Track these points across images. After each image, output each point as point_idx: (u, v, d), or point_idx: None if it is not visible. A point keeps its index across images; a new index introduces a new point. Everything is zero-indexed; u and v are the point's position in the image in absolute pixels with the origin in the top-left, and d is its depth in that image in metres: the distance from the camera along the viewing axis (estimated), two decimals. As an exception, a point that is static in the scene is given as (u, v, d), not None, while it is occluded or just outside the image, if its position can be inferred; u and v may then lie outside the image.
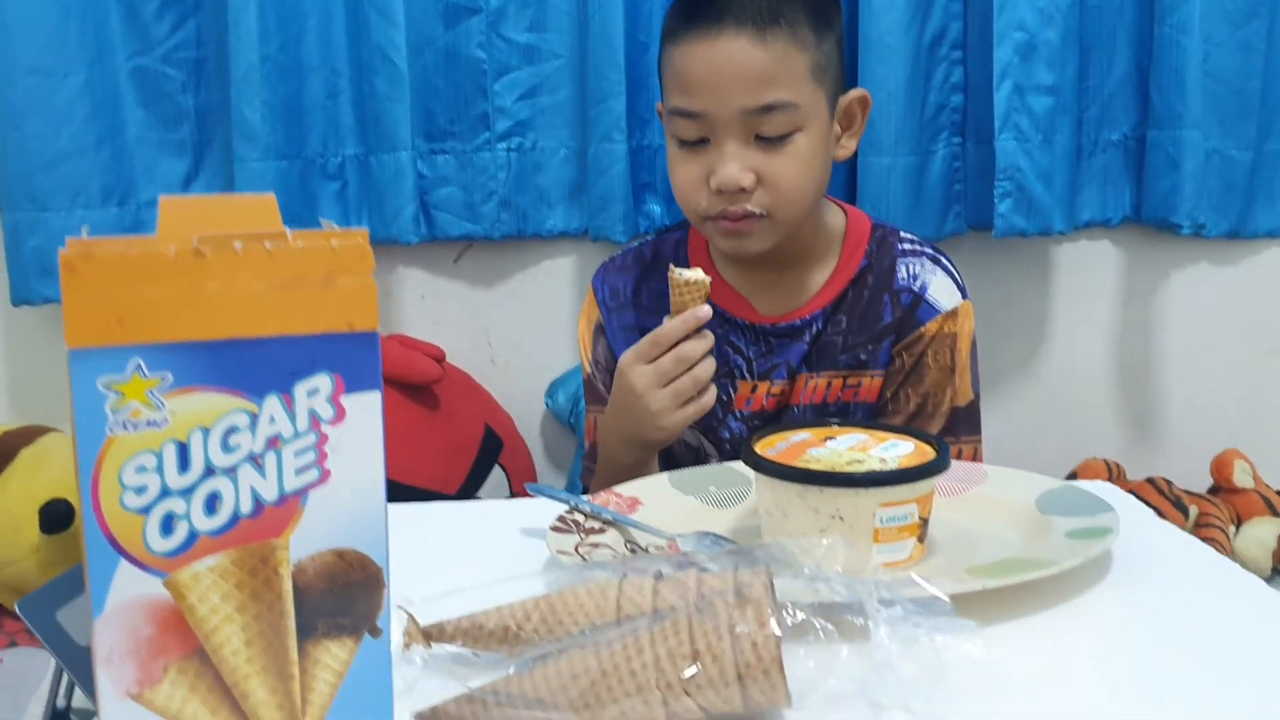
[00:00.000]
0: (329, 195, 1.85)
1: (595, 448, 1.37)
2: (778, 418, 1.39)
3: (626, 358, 1.21)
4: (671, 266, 1.18)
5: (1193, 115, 1.81)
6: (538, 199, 1.92)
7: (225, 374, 0.47)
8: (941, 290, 1.34)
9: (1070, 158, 1.86)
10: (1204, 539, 1.73)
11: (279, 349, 0.47)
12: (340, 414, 0.49)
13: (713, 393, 1.20)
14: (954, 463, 0.97)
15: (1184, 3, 1.79)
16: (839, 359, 1.36)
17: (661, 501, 1.06)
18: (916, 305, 1.33)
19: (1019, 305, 2.02)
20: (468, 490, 1.71)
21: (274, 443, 0.48)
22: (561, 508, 1.00)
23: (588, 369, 1.44)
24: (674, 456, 1.41)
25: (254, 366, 0.47)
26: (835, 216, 1.40)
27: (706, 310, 1.17)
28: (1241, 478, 1.87)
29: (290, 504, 0.48)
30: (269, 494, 0.48)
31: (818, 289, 1.37)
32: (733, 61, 1.23)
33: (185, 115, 1.83)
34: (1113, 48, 1.91)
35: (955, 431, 1.36)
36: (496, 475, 1.75)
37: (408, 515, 1.15)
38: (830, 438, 1.02)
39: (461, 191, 1.90)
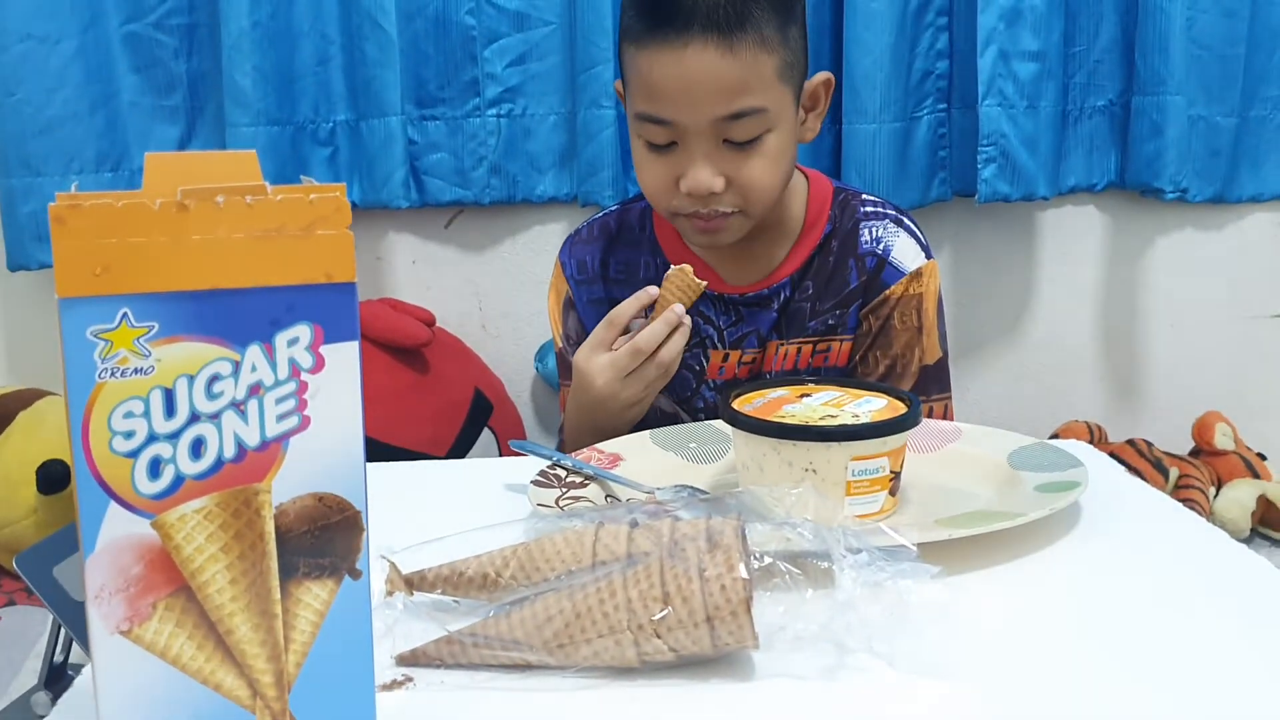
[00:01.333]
0: (320, 161, 1.86)
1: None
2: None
3: (583, 351, 1.21)
4: (676, 267, 1.19)
5: (1177, 81, 1.82)
6: (528, 165, 1.94)
7: (209, 323, 0.49)
8: (905, 251, 1.34)
9: (1055, 124, 1.88)
10: (1183, 500, 1.76)
11: (260, 299, 0.49)
12: (320, 363, 0.50)
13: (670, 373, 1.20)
14: (930, 421, 0.99)
15: (1169, -32, 1.80)
16: (808, 325, 1.37)
17: (642, 457, 1.08)
18: (881, 268, 1.33)
19: (1004, 271, 2.03)
20: (457, 452, 1.73)
21: (256, 390, 0.50)
22: (545, 463, 1.02)
23: (559, 344, 1.44)
24: (650, 424, 1.43)
25: (236, 316, 0.49)
26: (797, 183, 1.39)
27: (681, 310, 1.17)
28: (1222, 440, 1.89)
29: (272, 449, 0.50)
30: (252, 439, 0.50)
31: (784, 257, 1.37)
32: (702, 72, 1.19)
33: (178, 81, 1.84)
34: (1099, 13, 1.92)
35: (925, 390, 1.37)
36: (486, 437, 1.77)
37: (394, 473, 1.17)
38: (806, 394, 1.04)
39: (452, 157, 1.91)
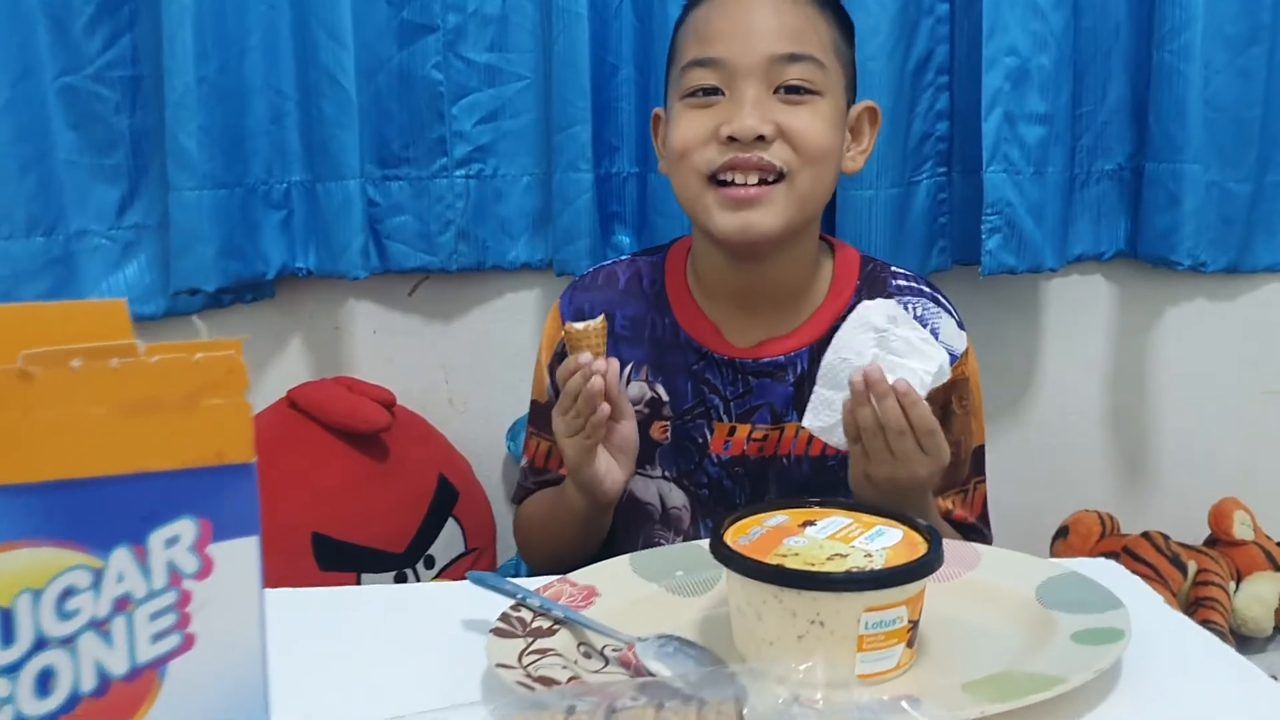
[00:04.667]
0: (273, 226, 1.73)
1: (534, 467, 1.35)
2: (763, 469, 1.30)
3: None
4: (566, 323, 1.14)
5: (1194, 148, 1.71)
6: (498, 229, 1.81)
7: (60, 523, 0.38)
8: (951, 333, 1.29)
9: (1063, 190, 1.76)
10: (1204, 599, 1.64)
11: (129, 490, 0.39)
12: (207, 566, 0.40)
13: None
14: (946, 543, 0.87)
15: (1186, 28, 1.69)
16: None
17: (621, 590, 0.96)
18: None
19: (1006, 344, 1.91)
20: (418, 548, 1.59)
21: (124, 604, 0.40)
22: (507, 602, 0.89)
23: (545, 396, 1.35)
24: (637, 511, 1.32)
25: (97, 513, 0.38)
26: (823, 248, 1.33)
27: (587, 356, 1.11)
28: (1241, 530, 1.77)
29: (145, 678, 0.40)
30: (118, 667, 0.40)
31: (802, 323, 1.29)
32: (762, 8, 1.20)
33: (119, 138, 1.70)
34: (1107, 73, 1.81)
35: (978, 473, 1.34)
36: (450, 530, 1.64)
37: (334, 602, 1.05)
38: (809, 522, 0.93)
39: (416, 221, 1.78)
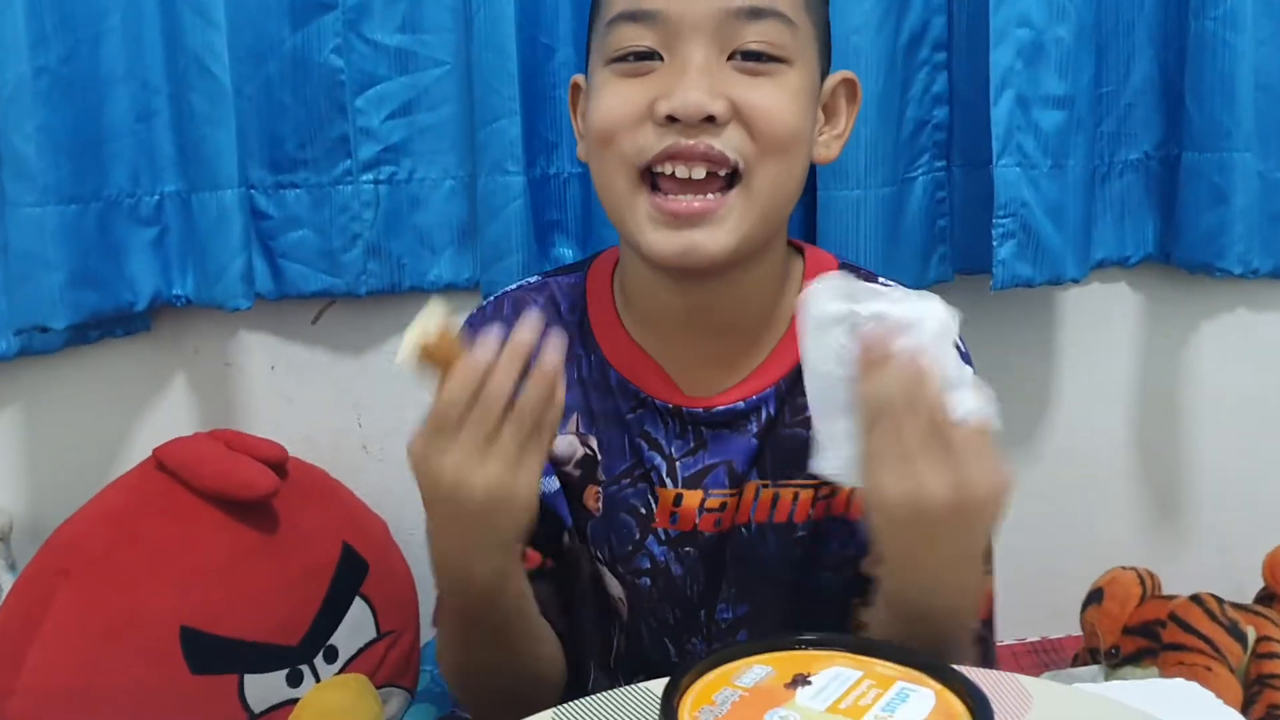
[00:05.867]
0: (141, 246, 1.42)
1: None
2: (719, 548, 1.02)
3: (414, 445, 0.87)
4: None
5: (1244, 134, 1.44)
6: (416, 243, 1.51)
7: None
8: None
9: (1085, 186, 1.49)
10: (1267, 675, 1.37)
11: None
12: None
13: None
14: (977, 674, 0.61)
15: (1233, -10, 1.42)
16: (805, 463, 1.00)
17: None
18: None
19: (1017, 366, 1.66)
20: (317, 637, 1.30)
21: None
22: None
23: None
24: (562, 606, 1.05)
25: None
26: (790, 258, 1.05)
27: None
28: (1302, 583, 1.50)
29: None
30: None
31: (765, 358, 1.01)
32: None
33: (-49, 144, 1.41)
34: (1130, 46, 1.54)
35: (985, 561, 0.99)
36: (357, 611, 1.35)
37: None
38: (803, 677, 0.67)
39: (317, 236, 1.48)
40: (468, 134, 1.49)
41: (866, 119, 1.43)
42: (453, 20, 1.47)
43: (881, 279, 1.05)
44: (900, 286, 0.96)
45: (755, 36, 0.90)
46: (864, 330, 0.81)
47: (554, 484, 1.04)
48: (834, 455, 0.85)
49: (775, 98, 0.91)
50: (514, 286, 1.09)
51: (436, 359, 0.84)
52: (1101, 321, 1.67)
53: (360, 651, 1.35)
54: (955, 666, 0.67)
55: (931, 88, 1.51)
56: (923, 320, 0.81)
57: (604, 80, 0.94)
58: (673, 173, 0.91)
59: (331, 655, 1.33)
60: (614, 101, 0.92)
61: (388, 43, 1.47)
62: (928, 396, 0.78)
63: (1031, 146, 1.43)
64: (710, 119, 0.89)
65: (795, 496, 1.01)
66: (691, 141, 0.89)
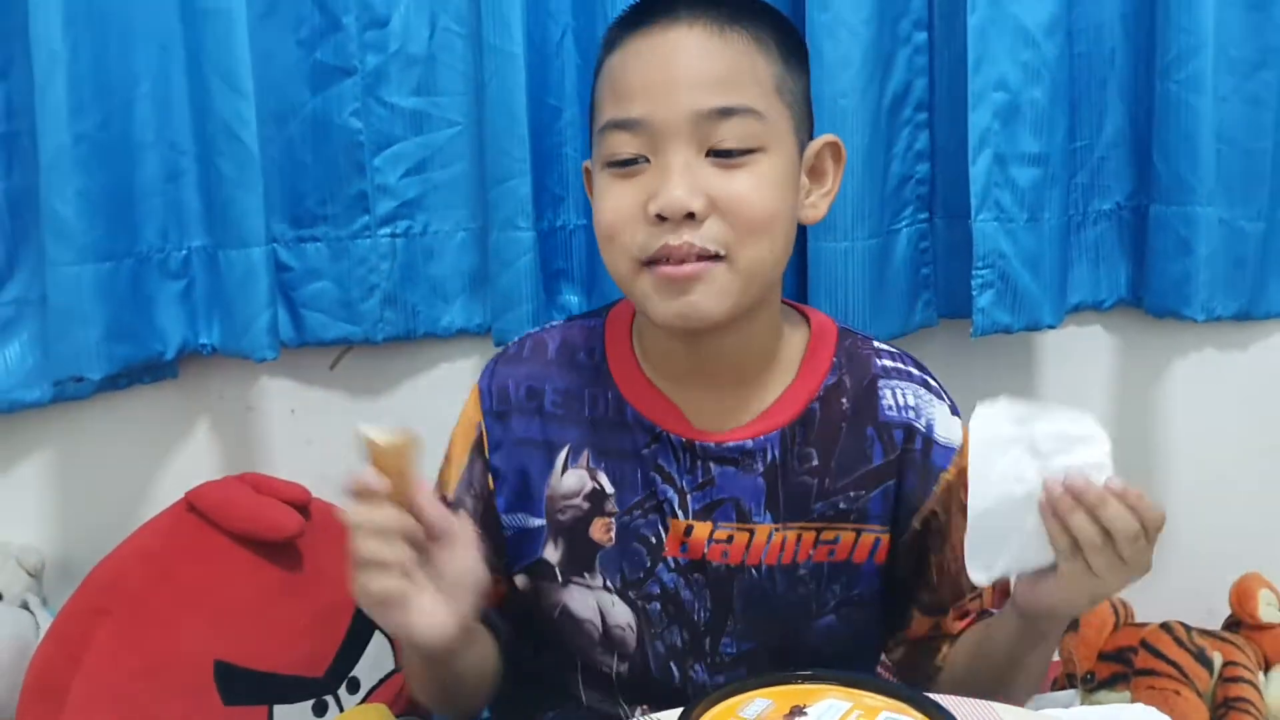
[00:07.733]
0: (170, 299, 1.51)
1: None
2: (727, 582, 1.11)
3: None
4: (364, 431, 0.93)
5: (1206, 189, 1.54)
6: (430, 293, 1.60)
7: None
8: (946, 423, 1.12)
9: (1060, 237, 1.58)
10: (1233, 699, 1.46)
11: None
12: None
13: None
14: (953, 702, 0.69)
15: (1194, 54, 1.51)
16: (812, 508, 1.09)
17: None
18: (929, 449, 1.10)
19: (998, 405, 1.72)
20: (340, 669, 1.38)
21: None
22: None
23: (449, 495, 1.15)
24: (573, 629, 1.15)
25: None
26: (792, 318, 1.15)
27: (370, 475, 0.93)
28: (1267, 611, 1.58)
29: None
30: None
31: (773, 401, 1.10)
32: (686, 54, 1.00)
33: (-7, 202, 1.49)
34: (1102, 104, 1.64)
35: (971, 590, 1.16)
36: (378, 644, 1.43)
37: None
38: (799, 708, 0.75)
39: (336, 286, 1.57)
40: (479, 189, 1.57)
41: (853, 175, 1.51)
42: (464, 84, 1.56)
43: (876, 342, 1.16)
44: (1053, 403, 1.05)
45: (727, 134, 0.99)
46: (1042, 447, 0.95)
47: (537, 521, 1.13)
48: (992, 562, 0.97)
49: (750, 187, 1.00)
50: (536, 329, 1.19)
51: (382, 465, 0.93)
52: (1078, 362, 1.74)
53: (381, 682, 1.43)
54: (932, 696, 0.76)
55: (914, 145, 1.60)
56: (1092, 442, 0.95)
57: (603, 183, 1.04)
58: (667, 258, 1.00)
59: (354, 686, 1.40)
60: (612, 204, 1.02)
61: (403, 105, 1.55)
62: (1149, 518, 0.96)
63: (1008, 201, 1.52)
64: (691, 215, 0.98)
65: (799, 538, 1.10)
66: (678, 242, 0.98)
